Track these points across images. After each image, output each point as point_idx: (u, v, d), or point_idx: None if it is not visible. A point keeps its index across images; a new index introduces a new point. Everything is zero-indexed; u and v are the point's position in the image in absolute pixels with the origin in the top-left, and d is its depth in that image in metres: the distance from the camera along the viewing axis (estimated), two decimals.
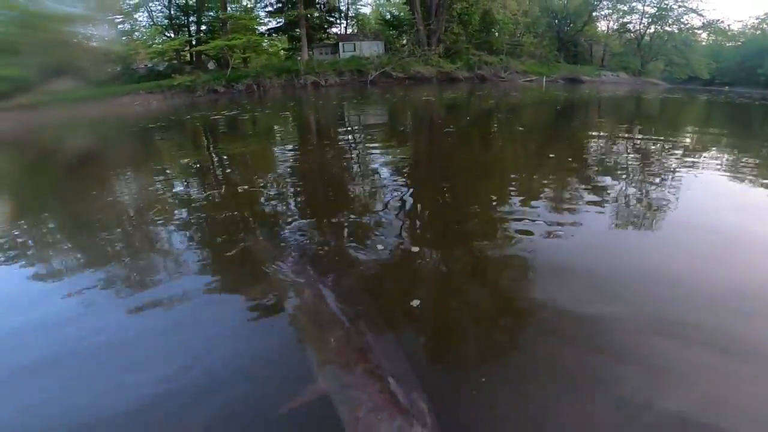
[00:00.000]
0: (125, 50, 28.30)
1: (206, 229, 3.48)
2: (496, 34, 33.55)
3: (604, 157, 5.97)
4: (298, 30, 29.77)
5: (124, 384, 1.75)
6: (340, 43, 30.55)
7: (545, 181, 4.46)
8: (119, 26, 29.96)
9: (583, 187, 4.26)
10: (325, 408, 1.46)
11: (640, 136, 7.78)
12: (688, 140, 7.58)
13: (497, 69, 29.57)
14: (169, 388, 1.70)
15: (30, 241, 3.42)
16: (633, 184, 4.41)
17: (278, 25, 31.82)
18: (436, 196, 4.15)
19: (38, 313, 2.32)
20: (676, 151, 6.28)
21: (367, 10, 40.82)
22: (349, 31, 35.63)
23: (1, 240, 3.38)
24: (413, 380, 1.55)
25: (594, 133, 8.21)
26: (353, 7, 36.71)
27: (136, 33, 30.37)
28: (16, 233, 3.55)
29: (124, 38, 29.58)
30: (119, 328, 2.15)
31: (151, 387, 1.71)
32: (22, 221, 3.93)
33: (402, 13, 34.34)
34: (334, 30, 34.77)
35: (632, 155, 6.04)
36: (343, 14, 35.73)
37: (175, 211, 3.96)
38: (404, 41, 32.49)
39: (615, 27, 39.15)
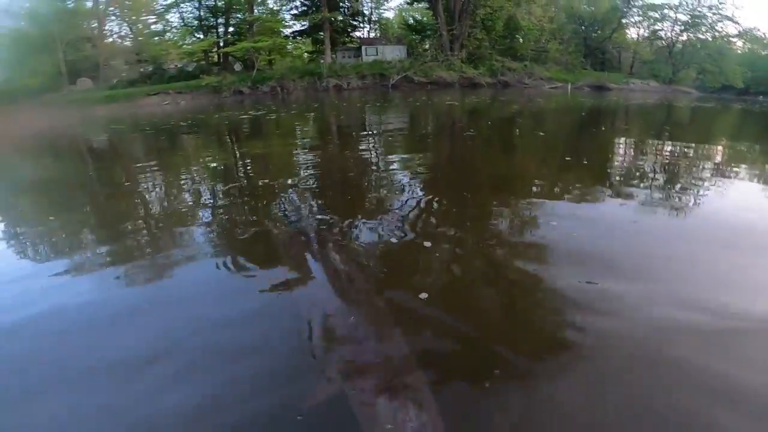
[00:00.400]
0: (157, 50, 29.44)
1: (225, 216, 3.63)
2: (521, 40, 33.13)
3: (627, 163, 5.83)
4: (321, 33, 30.26)
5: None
6: (363, 47, 30.86)
7: (565, 185, 4.38)
8: (152, 26, 31.27)
9: (605, 191, 4.17)
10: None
11: (668, 144, 7.54)
12: (719, 149, 7.29)
13: (521, 75, 29.20)
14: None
15: (63, 236, 3.61)
16: (657, 191, 4.25)
17: (303, 28, 32.44)
18: (453, 195, 4.12)
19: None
20: (706, 161, 6.06)
21: (390, 15, 41.13)
22: (372, 35, 35.97)
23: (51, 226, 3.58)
24: (416, 367, 1.61)
25: (620, 140, 8.01)
26: (376, 11, 37.09)
27: (167, 33, 31.57)
28: (56, 224, 3.76)
29: (156, 38, 30.80)
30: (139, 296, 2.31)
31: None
32: (61, 213, 4.15)
33: (425, 18, 34.39)
34: (357, 34, 35.20)
35: (658, 162, 5.85)
36: (366, 18, 36.12)
37: (201, 197, 4.13)
38: (427, 46, 32.51)
39: (646, 34, 38.11)
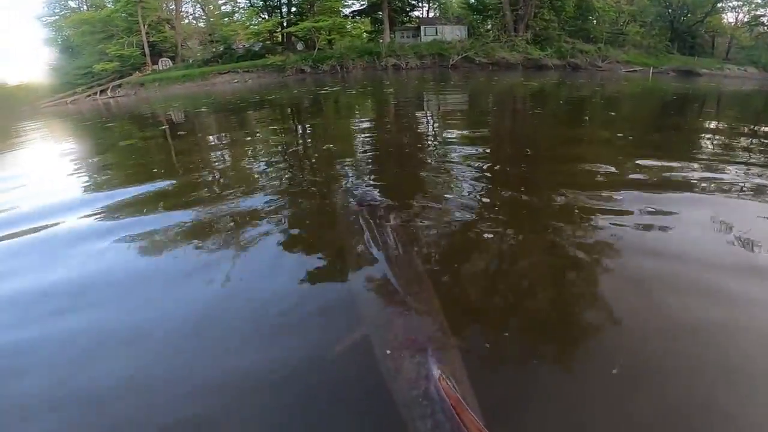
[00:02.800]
0: (227, 30, 31.16)
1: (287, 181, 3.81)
2: (594, 21, 30.40)
3: (714, 149, 5.17)
4: (380, 13, 30.06)
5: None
6: (422, 27, 30.20)
7: (640, 170, 3.85)
8: (222, 7, 33.04)
9: (683, 176, 3.67)
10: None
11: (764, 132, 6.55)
12: None
13: (594, 58, 26.88)
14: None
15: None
16: (742, 181, 3.60)
17: (362, 7, 32.44)
18: (513, 176, 3.90)
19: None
20: None
21: None
22: (431, 14, 35.00)
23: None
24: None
25: (708, 125, 7.13)
26: None
27: (236, 14, 33.23)
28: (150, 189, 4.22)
29: (226, 19, 32.59)
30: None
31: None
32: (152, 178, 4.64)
33: None
34: (416, 13, 34.45)
35: (749, 151, 5.01)
36: None
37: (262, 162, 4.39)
38: (489, 26, 31.00)
39: (746, 19, 33.16)
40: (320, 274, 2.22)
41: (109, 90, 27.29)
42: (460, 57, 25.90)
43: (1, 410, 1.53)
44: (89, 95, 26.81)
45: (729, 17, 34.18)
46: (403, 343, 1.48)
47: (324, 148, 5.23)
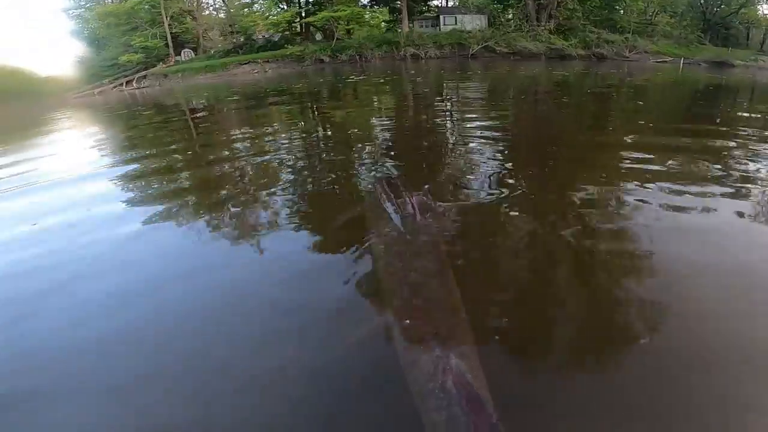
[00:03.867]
0: (247, 21, 31.39)
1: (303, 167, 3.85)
2: (621, 11, 29.26)
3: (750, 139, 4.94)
4: (398, 2, 29.68)
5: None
6: (441, 16, 29.70)
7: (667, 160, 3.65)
8: None
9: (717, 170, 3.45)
10: None
11: None
12: None
13: (620, 48, 25.95)
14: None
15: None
16: None
17: None
18: (536, 165, 3.81)
19: None
20: None
21: None
22: (450, 4, 34.35)
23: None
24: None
25: (741, 114, 6.82)
26: None
27: (255, 5, 33.40)
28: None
29: (245, 10, 32.81)
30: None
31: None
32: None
33: None
34: (435, 2, 33.84)
35: None
36: None
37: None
38: (510, 15, 30.24)
39: None
40: (337, 255, 2.21)
41: (134, 81, 27.96)
42: (480, 47, 25.41)
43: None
44: (115, 86, 27.55)
45: (765, 8, 32.43)
46: (419, 332, 1.46)
47: (347, 139, 5.29)
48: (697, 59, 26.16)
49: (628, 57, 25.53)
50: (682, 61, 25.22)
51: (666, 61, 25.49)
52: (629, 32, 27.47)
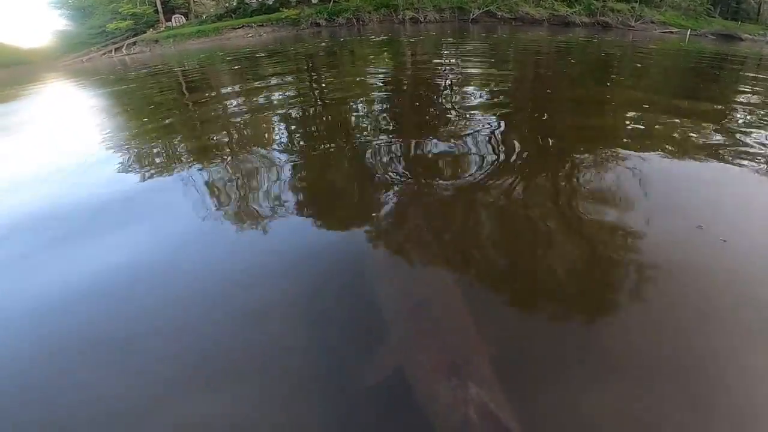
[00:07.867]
0: None
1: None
2: None
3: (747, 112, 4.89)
4: None
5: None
6: None
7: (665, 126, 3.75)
8: None
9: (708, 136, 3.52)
10: None
11: None
12: None
13: (626, 17, 25.18)
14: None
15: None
16: None
17: None
18: (529, 130, 3.81)
19: None
20: None
21: None
22: None
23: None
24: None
25: (743, 88, 6.70)
26: None
27: None
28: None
29: None
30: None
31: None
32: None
33: None
34: None
35: None
36: None
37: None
38: None
39: None
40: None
41: (124, 48, 26.99)
42: (481, 11, 24.65)
43: None
44: (104, 53, 26.61)
45: None
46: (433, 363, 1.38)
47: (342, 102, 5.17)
48: (704, 31, 25.48)
49: (633, 26, 24.82)
50: (688, 33, 24.56)
51: (672, 32, 24.82)
52: (636, 1, 26.57)
